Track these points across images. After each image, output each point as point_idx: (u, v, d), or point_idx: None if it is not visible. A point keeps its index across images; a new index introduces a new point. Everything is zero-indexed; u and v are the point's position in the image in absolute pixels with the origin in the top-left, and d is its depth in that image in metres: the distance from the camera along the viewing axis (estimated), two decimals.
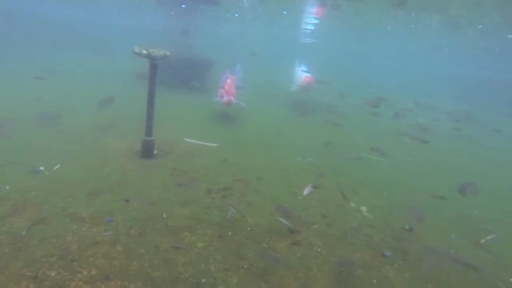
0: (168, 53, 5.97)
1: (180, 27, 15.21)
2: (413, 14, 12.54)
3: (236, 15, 18.79)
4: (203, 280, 3.32)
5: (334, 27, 20.03)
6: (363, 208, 5.28)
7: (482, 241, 4.83)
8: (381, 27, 17.02)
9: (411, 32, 18.04)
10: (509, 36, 13.11)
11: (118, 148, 6.41)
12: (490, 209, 5.84)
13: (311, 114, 11.33)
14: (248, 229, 4.26)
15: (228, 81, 8.85)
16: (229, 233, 4.12)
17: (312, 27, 21.55)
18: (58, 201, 4.33)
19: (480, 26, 13.11)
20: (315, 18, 17.50)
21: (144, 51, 5.73)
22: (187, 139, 7.25)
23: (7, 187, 4.50)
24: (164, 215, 4.35)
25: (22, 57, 14.78)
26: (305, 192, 4.94)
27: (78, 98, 9.64)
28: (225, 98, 8.38)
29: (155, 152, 6.34)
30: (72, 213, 4.08)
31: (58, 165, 5.35)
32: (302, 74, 11.85)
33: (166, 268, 3.42)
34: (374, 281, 3.68)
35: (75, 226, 3.83)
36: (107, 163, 5.69)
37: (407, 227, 4.88)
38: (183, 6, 15.18)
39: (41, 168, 5.19)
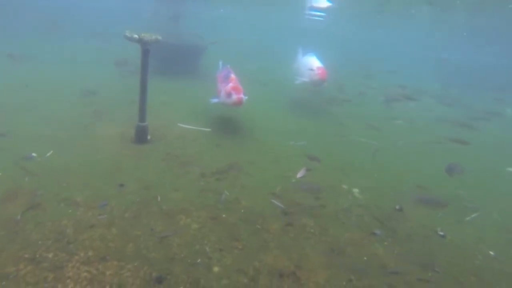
0: (159, 38, 5.89)
1: (171, 11, 14.90)
2: None
3: None
4: (199, 260, 3.41)
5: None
6: (355, 190, 5.39)
7: (467, 218, 4.99)
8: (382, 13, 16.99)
9: (405, 17, 18.07)
10: (510, 6, 12.84)
11: (111, 134, 6.38)
12: (475, 189, 6.01)
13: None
14: (242, 211, 4.34)
15: (232, 75, 6.98)
16: (223, 215, 4.20)
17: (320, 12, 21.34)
18: (52, 186, 4.34)
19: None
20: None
21: (136, 36, 5.65)
22: (180, 124, 7.24)
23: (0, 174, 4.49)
24: (159, 199, 4.39)
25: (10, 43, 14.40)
26: (299, 175, 5.01)
27: (69, 85, 9.48)
28: (234, 97, 6.43)
29: (149, 137, 6.34)
30: (66, 198, 4.10)
31: (51, 152, 5.33)
32: (310, 65, 8.96)
33: (162, 249, 3.49)
34: (365, 258, 3.81)
35: (70, 211, 3.86)
36: (100, 149, 5.68)
37: (397, 207, 5.01)
38: None
39: (34, 154, 5.16)
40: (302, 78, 9.22)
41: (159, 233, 3.67)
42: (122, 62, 10.46)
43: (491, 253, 4.26)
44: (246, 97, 6.71)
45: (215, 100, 7.19)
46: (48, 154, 5.25)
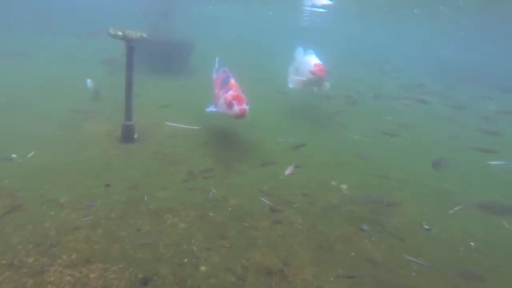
0: (145, 35, 5.80)
1: (160, 8, 14.68)
2: None
3: None
4: (186, 260, 3.37)
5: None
6: (344, 186, 5.41)
7: (451, 211, 5.08)
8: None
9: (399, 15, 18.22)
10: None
11: (97, 133, 6.27)
12: (459, 182, 6.10)
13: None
14: (230, 209, 4.31)
15: (232, 81, 5.88)
16: (211, 213, 4.16)
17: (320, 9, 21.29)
18: (34, 188, 4.23)
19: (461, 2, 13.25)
20: None
21: (120, 33, 5.54)
22: (168, 123, 7.16)
23: None
24: (146, 198, 4.34)
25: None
26: (287, 172, 5.00)
27: (55, 83, 9.29)
28: (236, 109, 5.31)
29: (136, 136, 6.25)
30: (49, 200, 4.00)
31: (33, 152, 5.20)
32: (308, 62, 8.21)
33: (148, 249, 3.44)
34: (352, 254, 3.82)
35: (53, 212, 3.77)
36: (86, 149, 5.57)
37: (385, 202, 5.05)
38: None
39: (13, 155, 5.03)
40: (301, 77, 8.37)
41: (140, 240, 3.55)
42: (109, 60, 10.26)
43: (472, 244, 4.35)
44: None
45: (211, 109, 6.15)
46: (29, 156, 5.11)
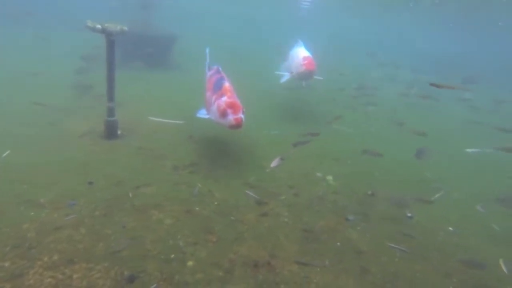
0: (125, 28, 5.64)
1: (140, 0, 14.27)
2: None
3: None
4: (172, 256, 3.35)
5: None
6: (329, 177, 5.47)
7: (432, 198, 5.24)
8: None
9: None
10: None
11: (79, 130, 6.10)
12: (440, 170, 6.28)
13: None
14: (216, 203, 4.30)
15: (226, 84, 5.17)
16: (197, 208, 4.14)
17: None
18: (11, 188, 4.09)
19: None
20: None
21: (99, 26, 5.37)
22: (152, 118, 7.03)
23: None
24: (130, 195, 4.27)
25: None
26: (273, 164, 5.01)
27: (32, 79, 8.96)
28: (231, 119, 4.69)
29: (119, 132, 6.12)
30: (28, 200, 3.88)
31: (8, 151, 5.01)
32: (297, 55, 7.68)
33: (134, 246, 3.40)
34: (338, 244, 3.88)
35: (32, 213, 3.66)
36: (68, 146, 5.42)
37: (369, 192, 5.14)
38: None
39: None
40: (289, 72, 7.85)
41: (114, 247, 3.37)
42: (91, 57, 9.92)
43: (450, 229, 4.54)
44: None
45: (202, 115, 5.47)
46: (4, 155, 4.92)
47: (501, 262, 3.96)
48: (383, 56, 17.12)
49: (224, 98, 4.89)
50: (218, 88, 5.18)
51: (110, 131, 5.99)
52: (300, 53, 7.64)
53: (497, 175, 6.56)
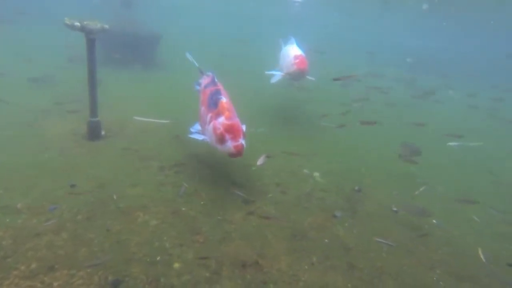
0: (106, 26, 5.49)
1: None
2: None
3: None
4: (158, 258, 3.29)
5: None
6: (316, 174, 5.48)
7: (416, 192, 5.35)
8: None
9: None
10: None
11: (60, 132, 5.93)
12: (424, 165, 6.39)
13: None
14: (202, 203, 4.24)
15: (222, 100, 4.37)
16: (183, 208, 4.08)
17: None
18: None
19: None
20: None
21: (77, 23, 5.20)
22: (137, 118, 6.90)
23: None
24: (115, 197, 4.17)
25: None
26: (259, 162, 4.98)
27: (14, 76, 8.66)
28: (231, 146, 4.00)
29: (103, 133, 5.98)
30: (3, 206, 3.72)
31: None
32: (288, 54, 7.19)
33: (119, 250, 3.32)
34: (326, 241, 3.89)
35: (8, 220, 3.50)
36: (48, 149, 5.25)
37: (356, 188, 5.17)
38: None
39: None
40: (281, 72, 7.34)
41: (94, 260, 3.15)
42: (78, 58, 9.63)
43: (434, 221, 4.63)
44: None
45: (197, 136, 4.73)
46: None
47: (479, 251, 4.06)
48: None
49: (222, 120, 4.12)
50: (214, 104, 4.41)
51: (94, 132, 5.84)
52: (292, 52, 7.12)
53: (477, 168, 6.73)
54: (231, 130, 4.04)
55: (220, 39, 20.84)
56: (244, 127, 4.34)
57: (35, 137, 5.58)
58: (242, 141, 4.05)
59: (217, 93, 4.60)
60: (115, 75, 10.09)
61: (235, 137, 4.01)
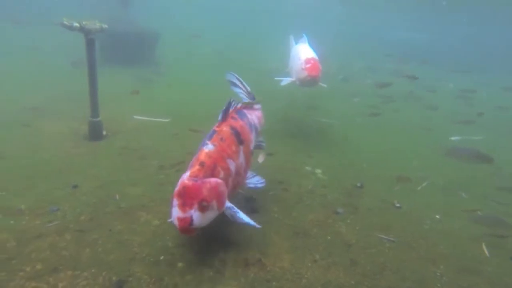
0: (105, 26, 5.47)
1: None
2: None
3: None
4: (161, 258, 3.29)
5: None
6: (318, 171, 5.48)
7: (419, 188, 5.34)
8: None
9: None
10: None
11: (60, 132, 5.94)
12: (425, 160, 6.39)
13: None
14: None
15: (205, 150, 3.28)
16: None
17: None
18: None
19: None
20: None
21: (76, 24, 5.19)
22: (137, 117, 6.90)
23: None
24: (117, 197, 4.18)
25: None
26: (260, 159, 4.97)
27: (11, 77, 8.66)
28: (174, 215, 2.86)
29: (104, 133, 5.98)
30: (5, 208, 3.72)
31: None
32: (299, 56, 6.32)
33: (122, 250, 3.32)
34: (329, 237, 3.89)
35: (11, 222, 3.51)
36: (48, 149, 5.26)
37: (358, 184, 5.17)
38: None
39: None
40: (290, 78, 6.58)
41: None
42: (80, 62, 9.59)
43: (437, 216, 4.61)
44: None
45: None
46: None
47: (483, 245, 4.06)
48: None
49: (186, 175, 3.03)
50: (199, 147, 3.39)
51: (95, 132, 5.86)
52: (302, 53, 6.26)
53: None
54: (184, 194, 2.87)
55: (222, 35, 20.71)
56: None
57: (33, 137, 5.59)
58: (192, 212, 2.80)
59: (209, 136, 3.42)
60: (114, 73, 10.07)
61: (183, 205, 2.81)
